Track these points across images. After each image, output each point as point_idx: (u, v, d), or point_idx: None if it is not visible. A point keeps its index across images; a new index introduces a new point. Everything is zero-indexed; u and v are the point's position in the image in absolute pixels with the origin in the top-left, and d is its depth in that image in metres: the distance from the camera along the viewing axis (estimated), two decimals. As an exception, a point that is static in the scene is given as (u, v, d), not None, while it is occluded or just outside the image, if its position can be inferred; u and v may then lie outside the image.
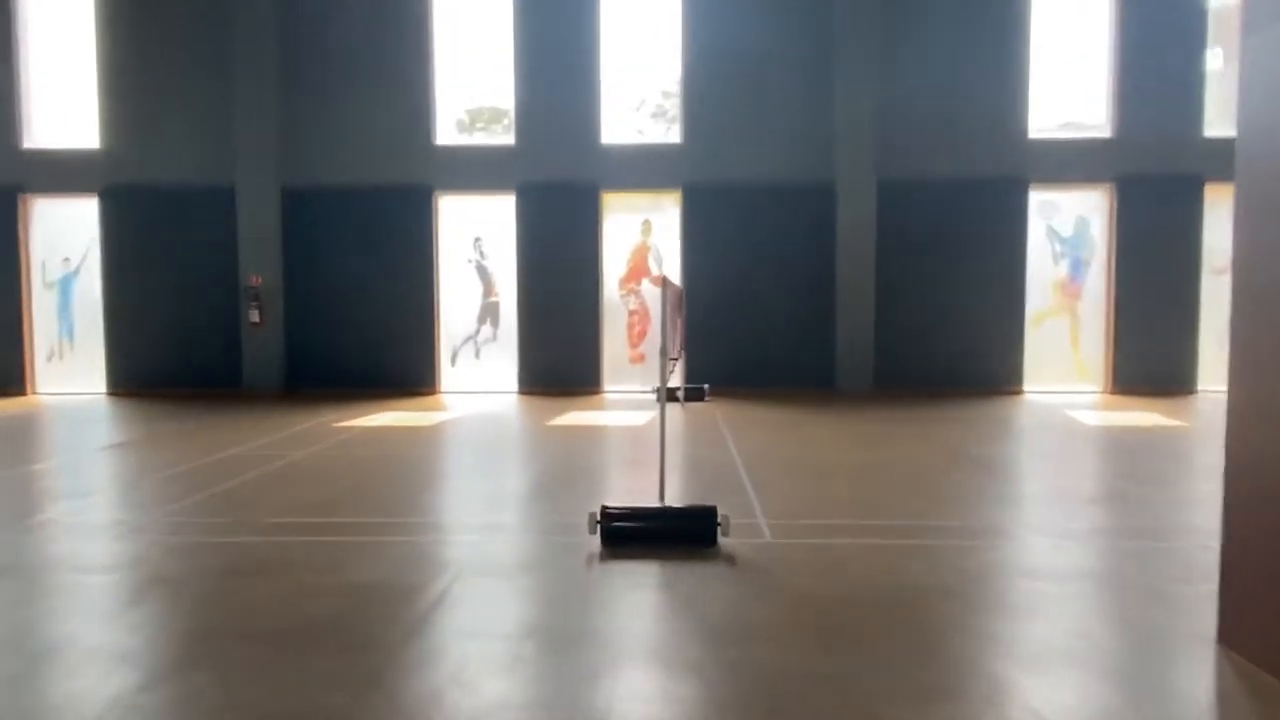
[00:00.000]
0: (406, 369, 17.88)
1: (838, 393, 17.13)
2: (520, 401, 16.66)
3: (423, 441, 11.77)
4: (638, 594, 5.67)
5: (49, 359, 18.32)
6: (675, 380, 16.57)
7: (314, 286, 17.97)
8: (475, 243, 18.00)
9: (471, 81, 17.91)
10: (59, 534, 7.15)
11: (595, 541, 6.72)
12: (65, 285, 18.29)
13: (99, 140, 17.91)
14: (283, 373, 17.92)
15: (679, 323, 10.92)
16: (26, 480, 9.31)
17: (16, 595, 5.72)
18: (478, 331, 18.06)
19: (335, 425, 13.21)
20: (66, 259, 18.23)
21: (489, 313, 18.06)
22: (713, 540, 6.64)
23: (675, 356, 9.29)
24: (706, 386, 16.67)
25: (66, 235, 18.22)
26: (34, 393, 18.13)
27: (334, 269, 17.93)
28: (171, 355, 18.00)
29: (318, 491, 8.63)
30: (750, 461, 10.04)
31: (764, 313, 17.53)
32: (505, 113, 17.89)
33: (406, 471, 9.73)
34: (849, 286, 17.25)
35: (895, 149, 17.28)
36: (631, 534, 6.65)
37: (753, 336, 17.56)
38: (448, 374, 18.10)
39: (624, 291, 17.86)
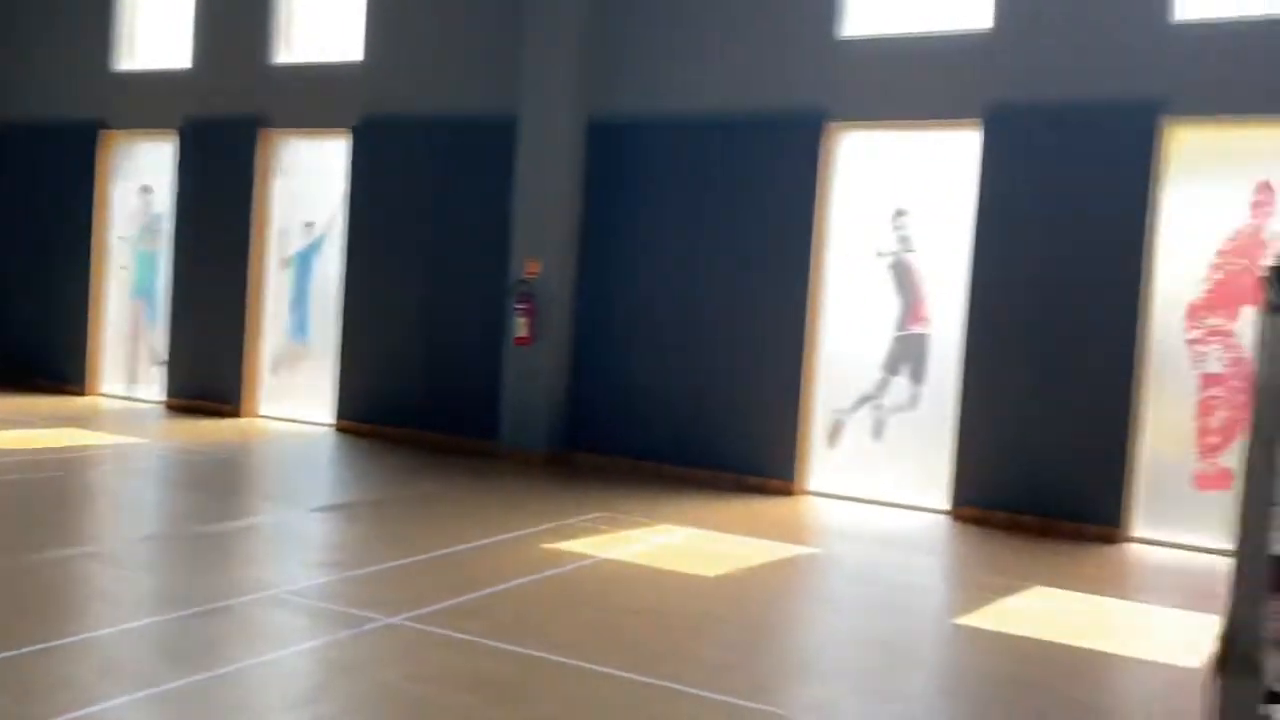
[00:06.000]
0: (758, 451, 9.83)
1: None
2: (961, 545, 8.23)
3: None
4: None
5: (274, 369, 12.72)
6: None
7: (606, 285, 10.61)
8: (896, 219, 9.55)
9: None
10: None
11: None
12: (304, 262, 12.57)
13: (361, 54, 11.91)
14: (553, 426, 10.72)
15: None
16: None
17: None
18: (884, 386, 9.57)
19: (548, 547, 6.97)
20: (309, 224, 12.50)
21: (908, 352, 9.52)
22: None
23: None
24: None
25: (310, 192, 12.49)
26: (255, 414, 12.58)
27: (644, 262, 10.41)
28: (411, 380, 11.56)
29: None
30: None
31: None
32: None
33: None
34: None
35: None
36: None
37: None
38: (821, 464, 9.81)
39: (1200, 330, 8.45)
